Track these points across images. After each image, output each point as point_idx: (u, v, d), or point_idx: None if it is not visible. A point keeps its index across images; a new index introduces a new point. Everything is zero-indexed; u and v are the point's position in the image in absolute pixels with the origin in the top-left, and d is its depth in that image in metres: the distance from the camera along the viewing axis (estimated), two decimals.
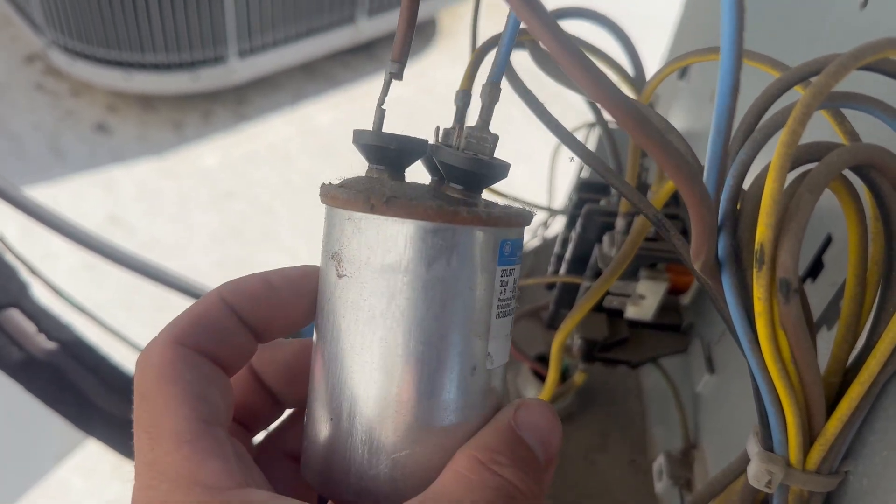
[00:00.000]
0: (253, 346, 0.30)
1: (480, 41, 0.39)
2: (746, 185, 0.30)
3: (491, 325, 0.28)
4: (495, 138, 0.28)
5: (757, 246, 0.27)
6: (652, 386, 0.66)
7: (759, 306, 0.28)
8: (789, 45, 0.47)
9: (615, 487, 0.61)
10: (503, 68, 0.28)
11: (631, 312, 0.53)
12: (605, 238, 0.48)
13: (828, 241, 0.39)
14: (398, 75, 0.30)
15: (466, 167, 0.27)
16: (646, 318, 0.53)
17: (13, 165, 2.05)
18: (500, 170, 0.28)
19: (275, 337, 0.31)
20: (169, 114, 2.33)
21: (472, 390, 0.29)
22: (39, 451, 1.41)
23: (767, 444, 0.32)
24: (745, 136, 0.30)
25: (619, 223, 0.47)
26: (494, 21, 0.28)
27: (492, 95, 0.28)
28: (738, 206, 0.29)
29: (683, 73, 0.69)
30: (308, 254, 1.98)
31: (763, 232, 0.26)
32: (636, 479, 0.61)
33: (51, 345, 0.62)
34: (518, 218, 0.29)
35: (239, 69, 2.27)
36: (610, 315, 0.54)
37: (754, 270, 0.27)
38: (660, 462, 0.53)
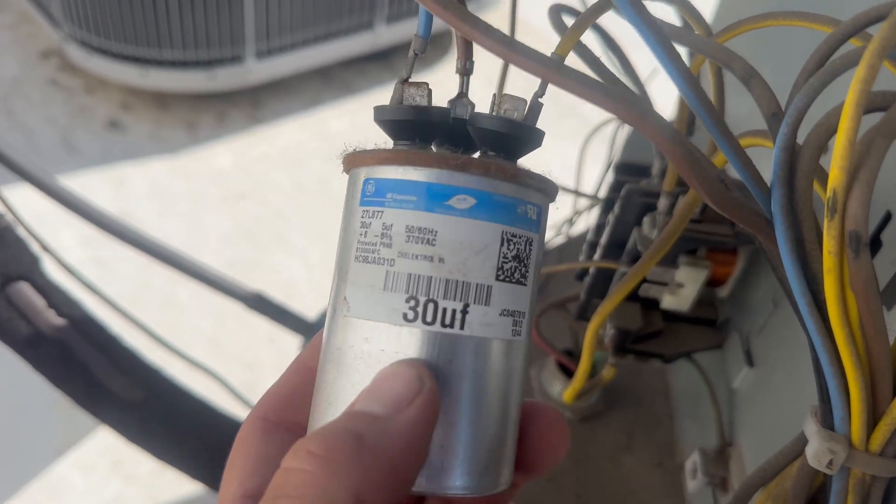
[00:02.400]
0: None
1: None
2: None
3: (350, 268, 0.26)
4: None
5: (829, 193, 0.24)
6: (682, 384, 0.64)
7: (828, 262, 0.25)
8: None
9: (641, 490, 0.59)
10: (430, 21, 0.28)
11: (668, 302, 0.50)
12: (646, 219, 0.46)
13: (887, 219, 0.37)
14: (418, 48, 0.29)
15: (384, 117, 0.28)
16: (683, 308, 0.51)
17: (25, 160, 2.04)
18: (421, 113, 0.27)
19: None
20: (183, 114, 2.33)
21: (337, 334, 0.26)
22: (39, 446, 1.39)
23: (828, 422, 0.30)
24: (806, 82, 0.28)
25: (662, 202, 0.45)
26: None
27: (416, 48, 0.29)
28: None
29: None
30: (319, 257, 1.96)
31: (837, 176, 0.24)
32: (664, 481, 0.59)
33: (60, 321, 0.60)
34: (393, 157, 0.26)
35: (255, 70, 2.26)
36: (645, 306, 0.52)
37: (825, 220, 0.25)
38: (694, 459, 0.51)
